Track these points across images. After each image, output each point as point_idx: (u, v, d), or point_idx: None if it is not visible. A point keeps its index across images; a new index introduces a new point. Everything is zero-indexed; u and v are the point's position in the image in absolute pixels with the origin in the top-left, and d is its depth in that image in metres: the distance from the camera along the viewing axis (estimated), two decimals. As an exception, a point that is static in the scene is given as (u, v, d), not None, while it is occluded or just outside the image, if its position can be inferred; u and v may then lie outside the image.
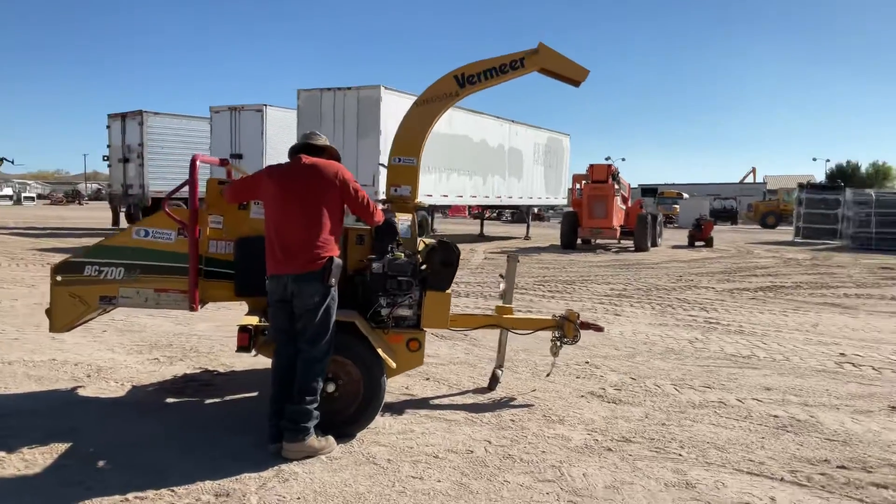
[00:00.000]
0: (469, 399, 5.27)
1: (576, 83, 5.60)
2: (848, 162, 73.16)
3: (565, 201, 31.26)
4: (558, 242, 21.83)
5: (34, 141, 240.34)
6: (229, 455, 4.01)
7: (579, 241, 21.72)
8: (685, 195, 50.33)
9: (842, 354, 7.10)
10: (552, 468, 3.96)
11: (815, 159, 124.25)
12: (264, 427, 4.36)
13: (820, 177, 69.05)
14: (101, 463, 3.84)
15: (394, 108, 18.51)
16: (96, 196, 72.13)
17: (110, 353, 6.38)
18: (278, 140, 21.87)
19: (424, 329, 4.66)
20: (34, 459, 3.86)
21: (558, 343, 5.38)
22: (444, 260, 4.62)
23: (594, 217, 20.65)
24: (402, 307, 4.56)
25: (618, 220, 21.04)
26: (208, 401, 5.06)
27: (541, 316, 5.42)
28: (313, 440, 3.99)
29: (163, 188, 23.41)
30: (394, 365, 4.42)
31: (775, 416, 4.98)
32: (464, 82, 5.40)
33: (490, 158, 23.41)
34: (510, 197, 25.75)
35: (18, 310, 8.39)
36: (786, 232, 38.63)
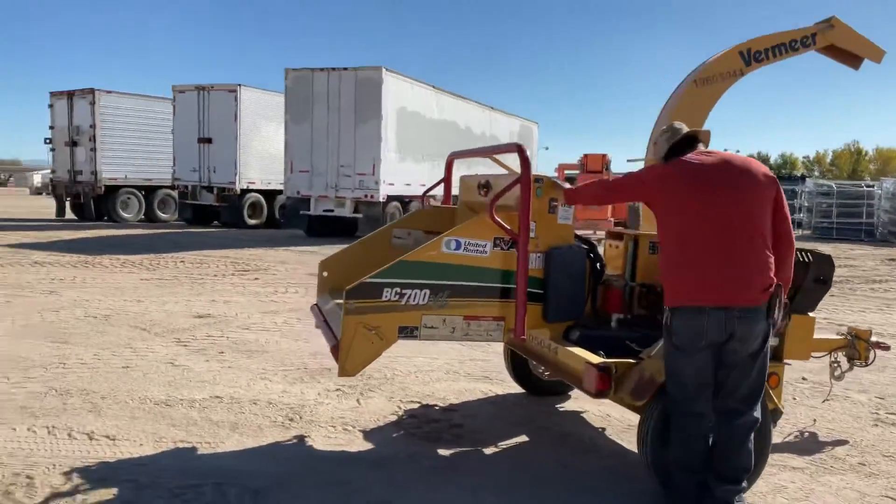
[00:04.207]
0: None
1: (857, 65, 4.90)
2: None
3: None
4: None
5: None
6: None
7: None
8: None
9: None
10: None
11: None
12: (613, 487, 3.47)
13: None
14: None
15: (396, 93, 17.38)
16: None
17: (268, 382, 5.20)
18: (254, 125, 20.26)
19: (785, 362, 3.83)
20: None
21: (844, 365, 4.69)
22: (819, 276, 3.81)
23: (589, 208, 20.20)
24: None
25: (610, 211, 20.69)
26: (486, 450, 4.05)
27: (832, 336, 4.71)
28: (740, 519, 3.12)
29: (117, 175, 21.29)
30: (783, 407, 3.58)
31: None
32: (750, 59, 4.60)
33: (475, 146, 22.52)
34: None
35: (77, 326, 6.92)
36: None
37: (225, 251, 14.23)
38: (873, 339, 4.67)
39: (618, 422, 4.59)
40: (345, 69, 17.10)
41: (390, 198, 17.44)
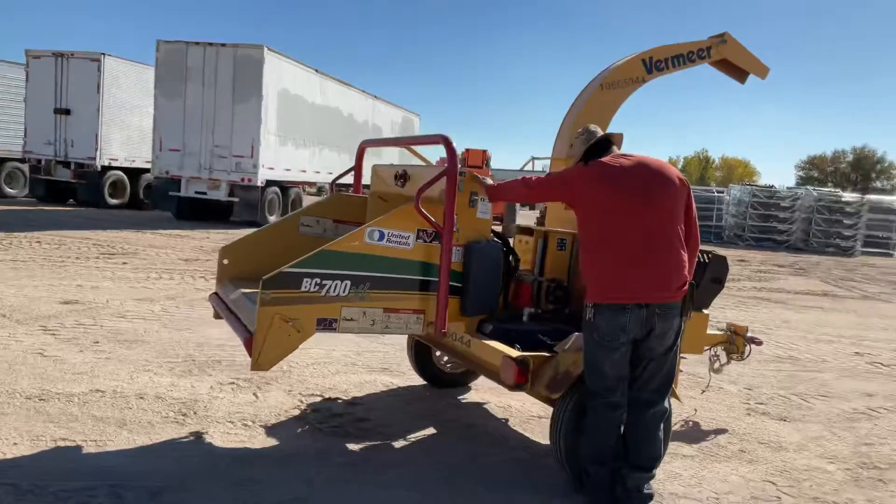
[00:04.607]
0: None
1: (743, 79, 5.25)
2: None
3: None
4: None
5: None
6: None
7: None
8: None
9: (857, 353, 7.59)
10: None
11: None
12: (525, 478, 3.54)
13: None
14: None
15: (278, 74, 16.80)
16: None
17: (153, 374, 4.86)
18: (119, 98, 18.88)
19: (682, 356, 4.04)
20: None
21: (723, 359, 5.04)
22: (714, 276, 4.04)
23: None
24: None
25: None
26: (395, 444, 3.99)
27: (715, 332, 5.03)
28: (649, 506, 3.26)
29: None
30: (680, 398, 3.77)
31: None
32: (651, 67, 4.81)
33: (357, 134, 22.22)
34: (366, 175, 24.75)
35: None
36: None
37: (85, 232, 13.21)
38: (749, 334, 5.05)
39: (518, 412, 4.68)
40: (223, 45, 16.33)
41: (269, 182, 16.87)
